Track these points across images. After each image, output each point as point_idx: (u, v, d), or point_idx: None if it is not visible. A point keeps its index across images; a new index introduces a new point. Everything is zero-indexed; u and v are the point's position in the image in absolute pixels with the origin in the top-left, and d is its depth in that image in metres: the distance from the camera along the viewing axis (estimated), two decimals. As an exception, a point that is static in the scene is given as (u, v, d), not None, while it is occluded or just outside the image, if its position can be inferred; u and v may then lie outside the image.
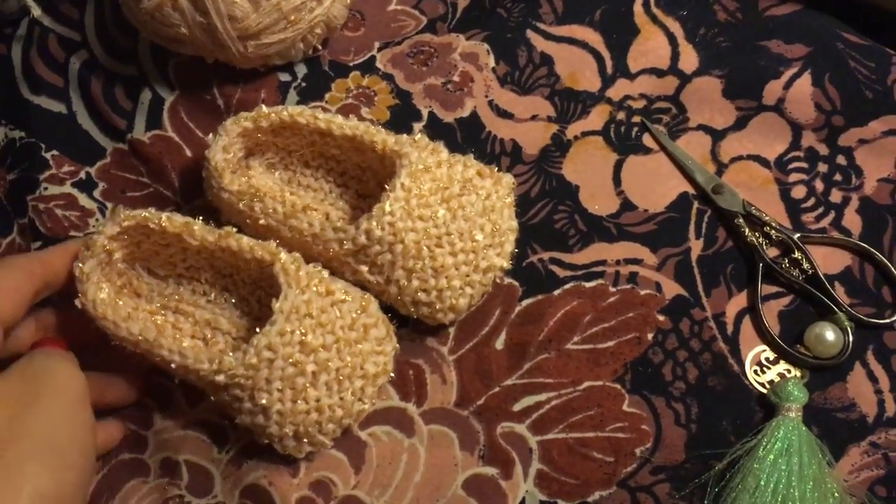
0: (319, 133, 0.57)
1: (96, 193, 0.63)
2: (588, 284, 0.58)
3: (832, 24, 0.62)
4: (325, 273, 0.54)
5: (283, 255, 0.53)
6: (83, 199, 0.62)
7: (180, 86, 0.64)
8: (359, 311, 0.54)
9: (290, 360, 0.50)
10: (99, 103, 0.64)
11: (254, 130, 0.57)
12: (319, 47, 0.64)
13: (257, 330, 0.51)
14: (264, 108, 0.56)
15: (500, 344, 0.57)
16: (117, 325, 0.51)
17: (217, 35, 0.57)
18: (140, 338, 0.51)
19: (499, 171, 0.58)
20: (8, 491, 0.43)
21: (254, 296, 0.57)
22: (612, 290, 0.58)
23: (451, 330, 0.58)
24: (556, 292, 0.58)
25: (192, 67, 0.63)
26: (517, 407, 0.56)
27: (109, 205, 0.62)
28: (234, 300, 0.57)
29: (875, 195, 0.59)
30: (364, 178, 0.60)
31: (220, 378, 0.50)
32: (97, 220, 0.62)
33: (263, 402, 0.50)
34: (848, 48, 0.61)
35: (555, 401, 0.56)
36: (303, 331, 0.51)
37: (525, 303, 0.58)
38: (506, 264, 0.56)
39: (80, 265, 0.52)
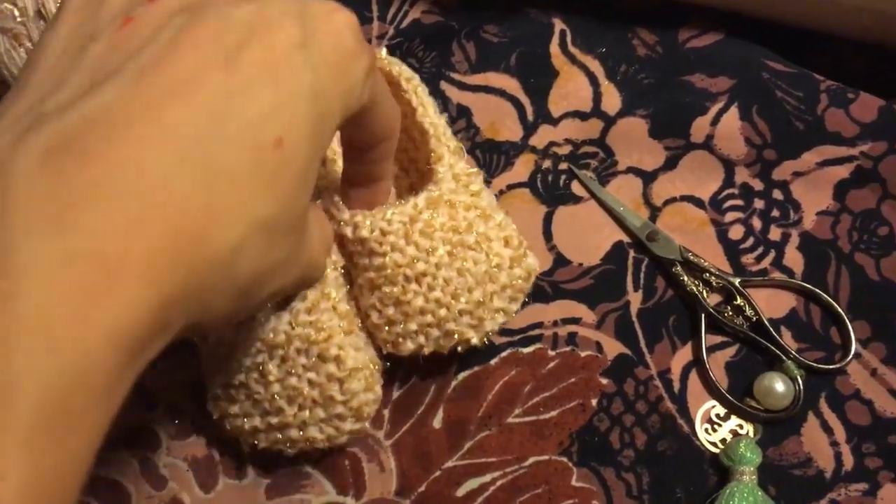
0: (405, 110, 0.54)
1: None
2: (526, 350, 0.55)
3: (756, 53, 0.59)
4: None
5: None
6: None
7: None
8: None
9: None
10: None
11: None
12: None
13: None
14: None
15: (437, 422, 0.54)
16: None
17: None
18: None
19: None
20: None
21: None
22: (552, 353, 0.55)
23: (386, 412, 0.54)
24: (493, 361, 0.55)
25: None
26: (461, 491, 0.52)
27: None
28: None
29: (815, 230, 0.56)
30: (424, 177, 0.56)
31: None
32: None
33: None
34: (774, 77, 0.58)
35: (500, 481, 0.52)
36: None
37: (461, 376, 0.55)
38: (476, 340, 0.51)
39: None
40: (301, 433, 0.50)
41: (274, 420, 0.50)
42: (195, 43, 0.31)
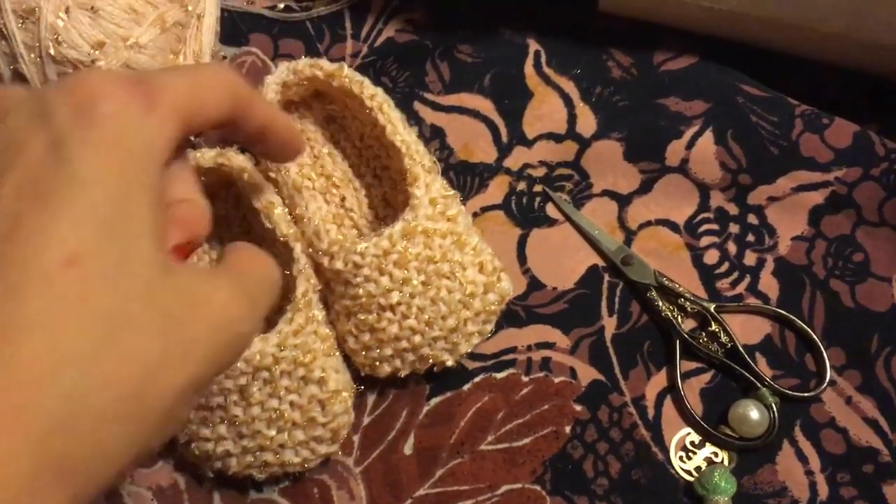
0: (373, 122, 0.54)
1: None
2: (499, 375, 0.54)
3: (731, 77, 0.59)
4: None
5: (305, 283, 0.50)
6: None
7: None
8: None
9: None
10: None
11: (324, 78, 0.55)
12: (192, 138, 0.59)
13: None
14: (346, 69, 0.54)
15: (408, 449, 0.53)
16: None
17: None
18: None
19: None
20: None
21: None
22: (525, 379, 0.54)
23: (356, 438, 0.53)
24: (466, 387, 0.54)
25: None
26: (432, 521, 0.51)
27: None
28: None
29: (790, 255, 0.56)
30: (397, 187, 0.56)
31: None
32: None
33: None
34: (748, 101, 0.58)
35: (472, 509, 0.52)
36: None
37: (433, 401, 0.54)
38: (451, 363, 0.52)
39: None
40: (276, 457, 0.49)
41: (250, 443, 0.49)
42: None
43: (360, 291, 0.50)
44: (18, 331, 0.27)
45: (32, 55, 0.48)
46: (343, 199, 0.57)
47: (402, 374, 0.52)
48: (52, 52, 0.47)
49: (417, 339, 0.50)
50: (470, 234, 0.52)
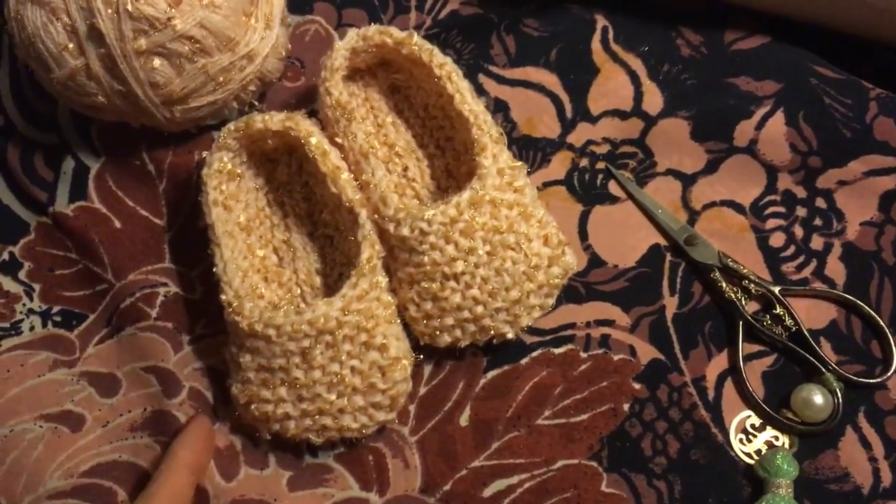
0: (441, 92, 0.54)
1: (21, 275, 0.57)
2: (557, 351, 0.54)
3: (804, 58, 0.58)
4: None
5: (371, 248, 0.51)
6: (7, 283, 0.57)
7: (106, 152, 0.59)
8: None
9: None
10: (17, 175, 0.59)
11: (393, 46, 0.54)
12: (256, 103, 0.59)
13: None
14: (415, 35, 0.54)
15: (464, 420, 0.53)
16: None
17: (139, 103, 0.52)
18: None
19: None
20: None
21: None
22: (584, 355, 0.54)
23: (412, 408, 0.53)
24: (524, 361, 0.54)
25: (118, 131, 0.58)
26: (487, 492, 0.51)
27: (37, 286, 0.57)
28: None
29: (858, 240, 0.55)
30: (460, 158, 0.56)
31: None
32: (24, 304, 0.57)
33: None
34: (822, 83, 0.57)
35: (528, 483, 0.51)
36: None
37: (490, 374, 0.54)
38: (511, 335, 0.51)
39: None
40: (335, 421, 0.50)
41: (309, 407, 0.49)
42: None
43: (425, 259, 0.50)
44: None
45: (110, 10, 0.48)
46: (405, 168, 0.57)
47: (462, 344, 0.52)
48: (129, 7, 0.47)
49: (480, 309, 0.50)
50: (536, 206, 0.52)
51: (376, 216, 0.51)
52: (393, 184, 0.56)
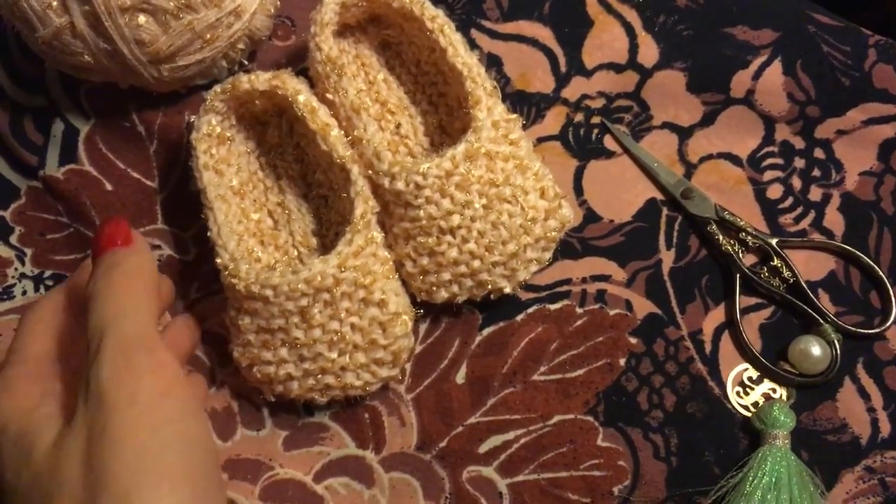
0: (433, 46, 0.53)
1: (13, 239, 0.57)
2: (553, 307, 0.54)
3: (802, 5, 0.57)
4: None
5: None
6: (-2, 247, 0.57)
7: (95, 114, 0.58)
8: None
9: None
10: (7, 139, 0.58)
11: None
12: (245, 62, 0.58)
13: None
14: None
15: (460, 378, 0.53)
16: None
17: (125, 61, 0.51)
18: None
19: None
20: None
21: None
22: (580, 311, 0.53)
23: (408, 366, 0.53)
24: (519, 317, 0.53)
25: (107, 93, 0.57)
26: (483, 448, 0.51)
27: (28, 251, 0.57)
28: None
29: (857, 191, 0.54)
30: (454, 114, 0.55)
31: None
32: (16, 269, 0.57)
33: None
34: (820, 31, 0.56)
35: (523, 439, 0.51)
36: None
37: (486, 331, 0.53)
38: (509, 289, 0.51)
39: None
40: (338, 379, 0.49)
41: (311, 366, 0.49)
42: None
43: (421, 213, 0.49)
44: None
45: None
46: (398, 125, 0.56)
47: (460, 299, 0.51)
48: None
49: (476, 263, 0.50)
50: (532, 159, 0.51)
51: (370, 172, 0.51)
52: (386, 141, 0.55)
